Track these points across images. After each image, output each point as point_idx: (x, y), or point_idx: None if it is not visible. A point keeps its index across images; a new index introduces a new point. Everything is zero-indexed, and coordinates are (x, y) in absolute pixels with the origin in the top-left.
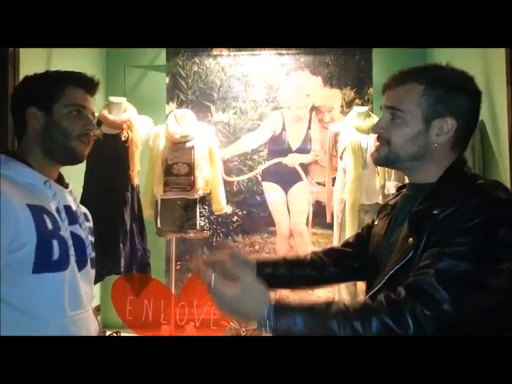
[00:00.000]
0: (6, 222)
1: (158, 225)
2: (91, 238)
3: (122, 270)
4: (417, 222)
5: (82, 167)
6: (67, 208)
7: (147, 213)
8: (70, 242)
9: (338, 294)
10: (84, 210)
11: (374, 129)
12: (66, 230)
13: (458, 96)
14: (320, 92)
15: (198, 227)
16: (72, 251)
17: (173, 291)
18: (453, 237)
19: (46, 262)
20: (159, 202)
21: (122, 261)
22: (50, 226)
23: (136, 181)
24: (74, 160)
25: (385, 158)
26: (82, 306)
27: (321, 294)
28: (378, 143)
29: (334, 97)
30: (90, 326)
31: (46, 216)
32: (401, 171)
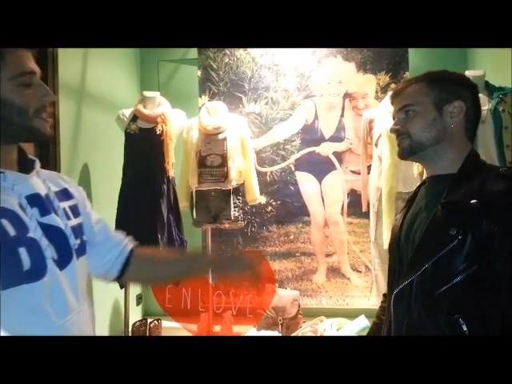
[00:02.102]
0: None
1: (194, 216)
2: (77, 221)
3: None
4: (452, 214)
5: (118, 164)
6: (34, 197)
7: (183, 204)
8: (45, 241)
9: (376, 283)
10: (64, 183)
11: (392, 129)
12: (35, 229)
13: (459, 85)
14: (353, 78)
15: (232, 218)
16: (49, 252)
17: (210, 280)
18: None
19: (14, 275)
20: (194, 194)
21: None
22: (11, 232)
23: (171, 173)
24: (39, 140)
25: (409, 148)
26: (71, 309)
27: (357, 284)
28: (398, 140)
29: (367, 82)
30: (83, 327)
31: (5, 220)
32: (423, 163)
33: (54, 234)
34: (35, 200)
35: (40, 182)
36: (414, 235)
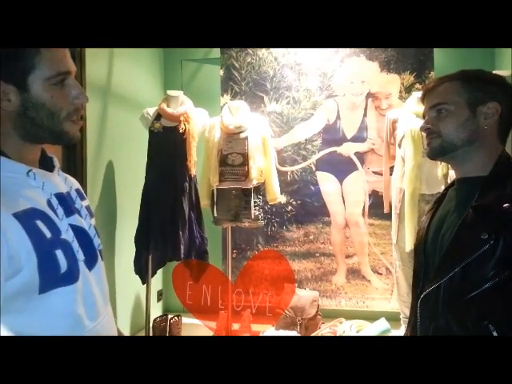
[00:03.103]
0: None
1: (215, 214)
2: (92, 222)
3: (182, 256)
4: (484, 218)
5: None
6: (60, 197)
7: (204, 202)
8: (76, 244)
9: (397, 286)
10: (75, 184)
11: (423, 127)
12: (67, 231)
13: (494, 86)
14: (376, 78)
15: (252, 217)
16: (80, 254)
17: (229, 278)
18: None
19: (53, 278)
20: (215, 192)
21: (182, 248)
22: (48, 233)
23: (193, 171)
24: (66, 144)
25: (439, 148)
26: (100, 312)
27: (378, 286)
28: (428, 138)
29: (391, 82)
30: (111, 330)
31: (40, 222)
32: (453, 164)
33: (80, 236)
34: (61, 199)
35: (61, 180)
36: (443, 238)
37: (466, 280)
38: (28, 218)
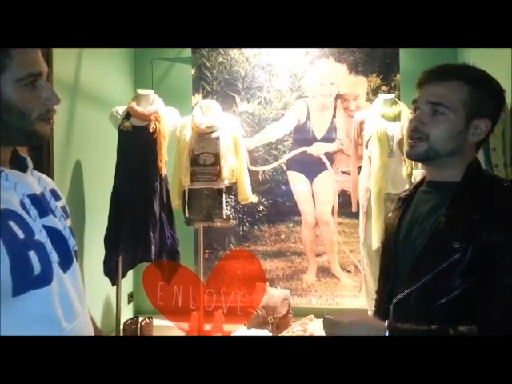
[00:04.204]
0: None
1: (186, 214)
2: (67, 223)
3: (153, 257)
4: (455, 227)
5: (111, 158)
6: (33, 197)
7: (175, 202)
8: (50, 245)
9: (365, 283)
10: (50, 184)
11: (413, 122)
12: (40, 232)
13: (496, 100)
14: (345, 80)
15: (224, 216)
16: (54, 255)
17: (201, 278)
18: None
19: (26, 280)
20: (187, 192)
21: (153, 248)
22: (21, 234)
23: (164, 171)
24: (36, 143)
25: (424, 154)
26: (78, 313)
27: (347, 283)
28: (413, 138)
29: (359, 84)
30: (89, 331)
31: (12, 222)
32: (429, 167)
33: (54, 236)
34: (35, 200)
35: (35, 180)
36: (414, 243)
37: (436, 287)
38: (0, 219)
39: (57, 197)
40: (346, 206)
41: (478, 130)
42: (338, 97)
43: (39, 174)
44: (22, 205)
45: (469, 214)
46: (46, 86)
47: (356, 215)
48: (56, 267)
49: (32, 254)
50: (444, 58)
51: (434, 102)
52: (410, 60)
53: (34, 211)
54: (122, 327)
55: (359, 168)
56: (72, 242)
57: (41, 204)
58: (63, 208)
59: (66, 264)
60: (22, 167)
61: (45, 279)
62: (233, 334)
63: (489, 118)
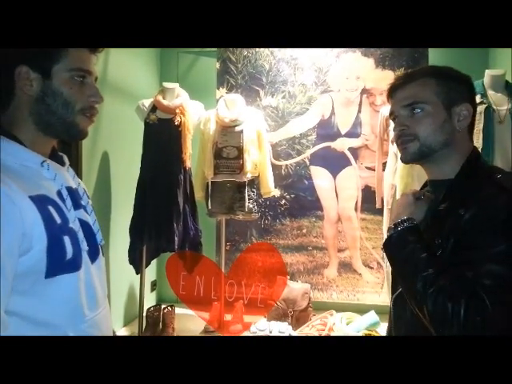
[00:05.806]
0: (11, 224)
1: (209, 206)
2: (96, 220)
3: (176, 247)
4: (441, 222)
5: (137, 151)
6: (69, 190)
7: (198, 195)
8: (81, 235)
9: (387, 280)
10: (82, 184)
11: (396, 129)
12: (74, 221)
13: (464, 85)
14: (372, 74)
15: (246, 209)
16: (84, 245)
17: (223, 270)
18: (487, 239)
19: (59, 263)
20: (210, 185)
21: (176, 239)
22: (58, 219)
23: (188, 164)
24: (75, 137)
25: (418, 152)
26: (100, 303)
27: (368, 279)
28: (403, 142)
29: (386, 79)
30: (108, 326)
31: (51, 207)
32: (427, 167)
33: (85, 229)
34: (70, 193)
35: (71, 176)
36: None
37: None
38: (41, 202)
39: (87, 196)
40: (369, 202)
41: (461, 116)
42: (364, 91)
43: (74, 172)
44: (59, 194)
45: (455, 209)
46: (92, 85)
47: (379, 211)
48: (85, 256)
49: (66, 239)
50: (474, 54)
51: (408, 103)
52: (439, 54)
53: (69, 202)
54: (144, 314)
55: (384, 164)
56: (99, 237)
57: (75, 197)
58: (91, 206)
59: (93, 256)
60: (60, 163)
61: (75, 265)
62: (253, 326)
63: (467, 101)
